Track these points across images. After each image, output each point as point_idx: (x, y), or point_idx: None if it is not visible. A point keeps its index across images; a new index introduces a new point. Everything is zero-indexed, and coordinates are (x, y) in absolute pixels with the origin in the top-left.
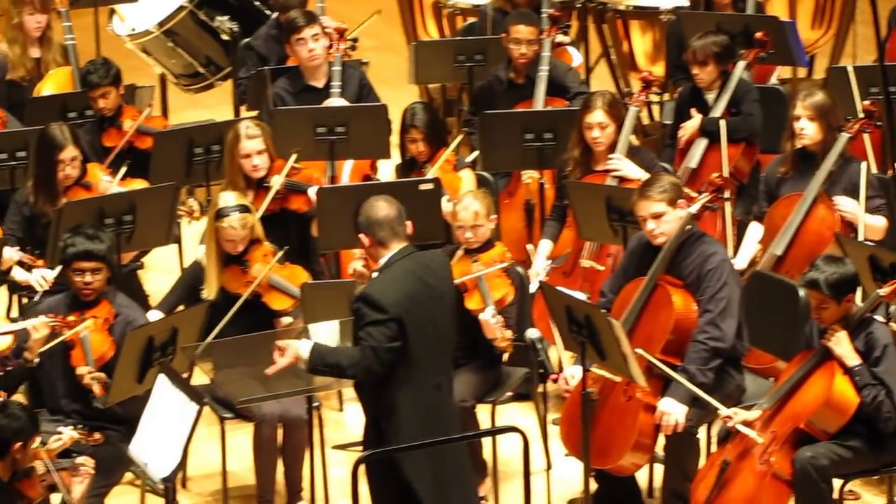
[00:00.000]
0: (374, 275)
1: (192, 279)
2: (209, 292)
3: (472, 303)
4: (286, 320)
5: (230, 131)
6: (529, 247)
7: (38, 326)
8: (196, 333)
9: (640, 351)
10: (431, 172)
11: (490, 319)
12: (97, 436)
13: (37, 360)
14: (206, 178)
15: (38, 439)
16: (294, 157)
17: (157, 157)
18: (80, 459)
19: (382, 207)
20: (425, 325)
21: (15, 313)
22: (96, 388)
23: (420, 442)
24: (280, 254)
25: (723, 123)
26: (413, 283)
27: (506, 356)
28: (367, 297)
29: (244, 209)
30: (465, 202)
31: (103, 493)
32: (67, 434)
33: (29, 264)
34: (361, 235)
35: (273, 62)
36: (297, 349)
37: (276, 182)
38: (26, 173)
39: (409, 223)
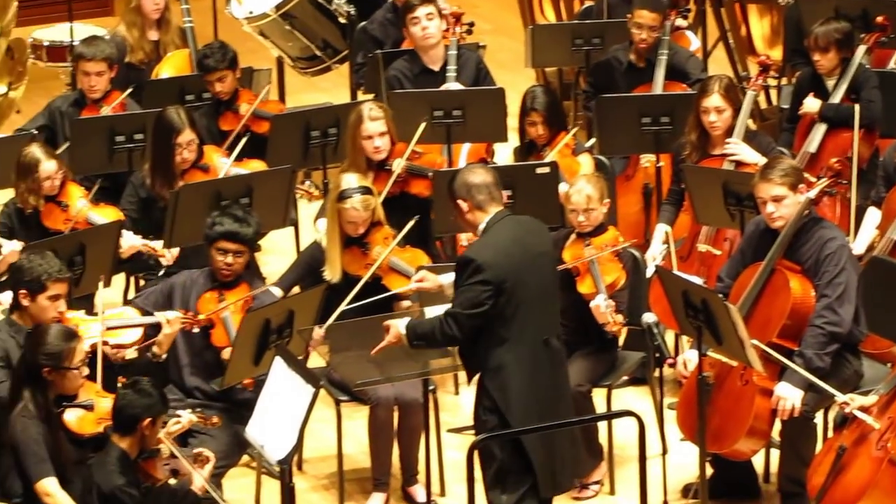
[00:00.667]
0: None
1: (310, 259)
2: (332, 274)
3: (583, 287)
4: (406, 303)
5: (353, 113)
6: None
7: (173, 321)
8: (313, 316)
9: (753, 341)
10: (550, 156)
11: (601, 305)
12: (215, 419)
13: (164, 356)
14: (322, 161)
15: (166, 417)
16: (420, 131)
17: (274, 140)
18: (199, 449)
19: (480, 173)
20: (527, 284)
21: (133, 295)
22: None
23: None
24: (400, 236)
25: (857, 109)
26: (512, 243)
27: (622, 340)
28: (464, 258)
29: (366, 191)
30: (578, 186)
31: (220, 475)
32: (186, 417)
33: (150, 253)
34: (459, 201)
35: (388, 46)
36: (396, 327)
37: (398, 165)
38: (143, 156)
39: (506, 192)
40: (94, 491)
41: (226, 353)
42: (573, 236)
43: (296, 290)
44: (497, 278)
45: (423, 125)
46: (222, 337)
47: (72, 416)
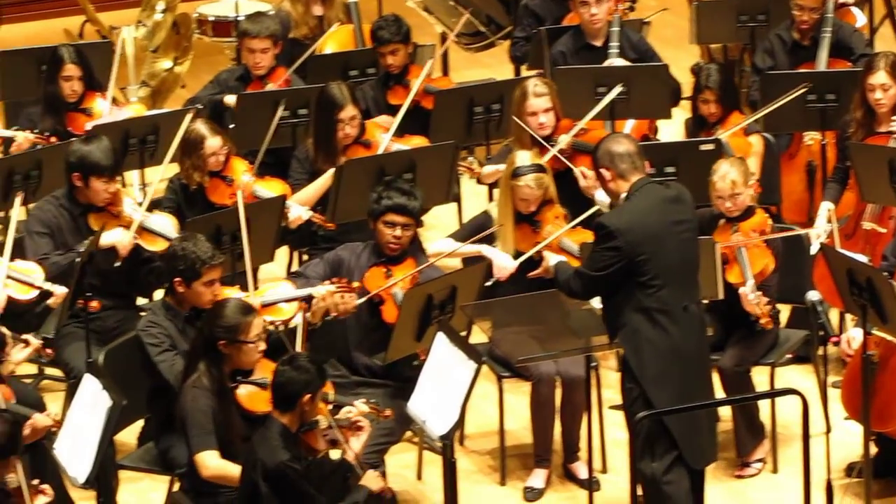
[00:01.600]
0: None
1: (481, 225)
2: (504, 250)
3: (731, 276)
4: None
5: (517, 89)
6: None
7: (326, 295)
8: (475, 292)
9: None
10: (722, 135)
11: (749, 295)
12: (388, 412)
13: (319, 323)
14: (485, 136)
15: (325, 391)
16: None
17: (438, 115)
18: (356, 417)
19: (623, 142)
20: (665, 252)
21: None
22: None
23: (667, 376)
24: (577, 221)
25: None
26: (650, 212)
27: (785, 319)
28: (600, 223)
29: (539, 169)
30: (721, 171)
31: (383, 451)
32: (358, 408)
33: (319, 223)
34: (602, 170)
35: (549, 22)
36: (548, 260)
37: (563, 141)
38: (307, 131)
39: (647, 161)
40: (259, 467)
41: None
42: (722, 221)
43: (457, 264)
44: (628, 246)
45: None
46: (393, 313)
47: (244, 392)
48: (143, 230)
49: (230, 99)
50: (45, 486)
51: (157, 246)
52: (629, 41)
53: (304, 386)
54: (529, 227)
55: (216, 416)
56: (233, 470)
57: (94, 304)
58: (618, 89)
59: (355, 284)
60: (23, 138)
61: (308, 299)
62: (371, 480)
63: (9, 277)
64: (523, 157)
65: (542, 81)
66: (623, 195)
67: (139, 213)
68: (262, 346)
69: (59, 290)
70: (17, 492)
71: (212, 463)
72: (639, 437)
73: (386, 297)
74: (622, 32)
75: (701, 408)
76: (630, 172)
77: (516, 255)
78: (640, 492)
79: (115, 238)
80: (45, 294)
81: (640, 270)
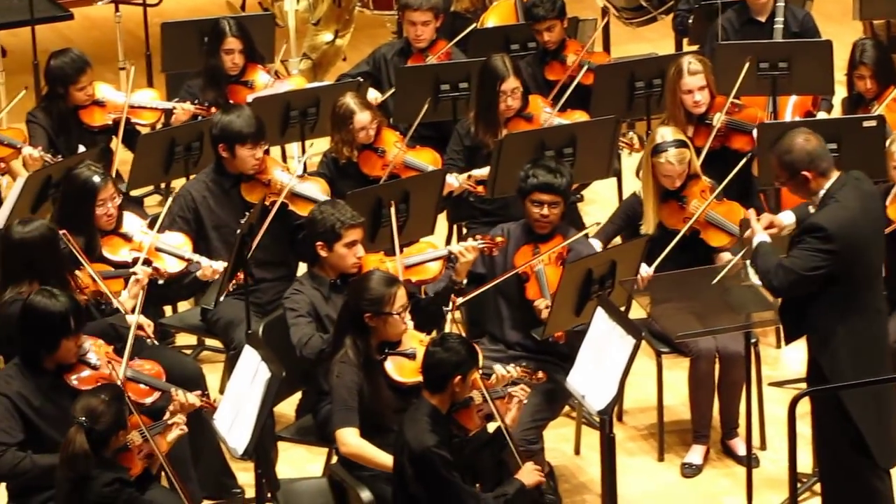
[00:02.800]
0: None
1: (630, 210)
2: (647, 227)
3: None
4: (725, 256)
5: (672, 66)
6: None
7: (467, 251)
8: (635, 267)
9: None
10: (878, 110)
11: None
12: (540, 374)
13: (464, 280)
14: (646, 111)
15: (477, 372)
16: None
17: (599, 90)
18: (511, 389)
19: (811, 139)
20: (867, 250)
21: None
22: None
23: (864, 380)
24: (718, 189)
25: None
26: (861, 213)
27: None
28: (815, 224)
29: (681, 144)
30: None
31: (542, 427)
32: (511, 372)
33: (471, 190)
34: (804, 173)
35: None
36: (753, 231)
37: (717, 119)
38: (468, 104)
39: (830, 146)
40: (406, 449)
41: (538, 305)
42: (894, 191)
43: (617, 240)
44: (845, 250)
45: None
46: (535, 290)
47: (392, 364)
48: (294, 196)
49: (373, 94)
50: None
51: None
52: (794, 16)
53: (454, 367)
54: (676, 203)
55: (363, 390)
56: (370, 451)
57: (239, 275)
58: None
59: (499, 239)
60: (181, 110)
61: (452, 257)
62: (527, 474)
63: (158, 249)
64: (664, 134)
65: (697, 59)
66: (821, 193)
67: (290, 179)
68: (408, 317)
69: (206, 263)
70: (139, 448)
71: (350, 440)
72: (822, 427)
73: (530, 275)
74: (787, 7)
75: (853, 386)
76: (830, 169)
77: (664, 232)
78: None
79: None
80: (194, 267)
81: (848, 273)
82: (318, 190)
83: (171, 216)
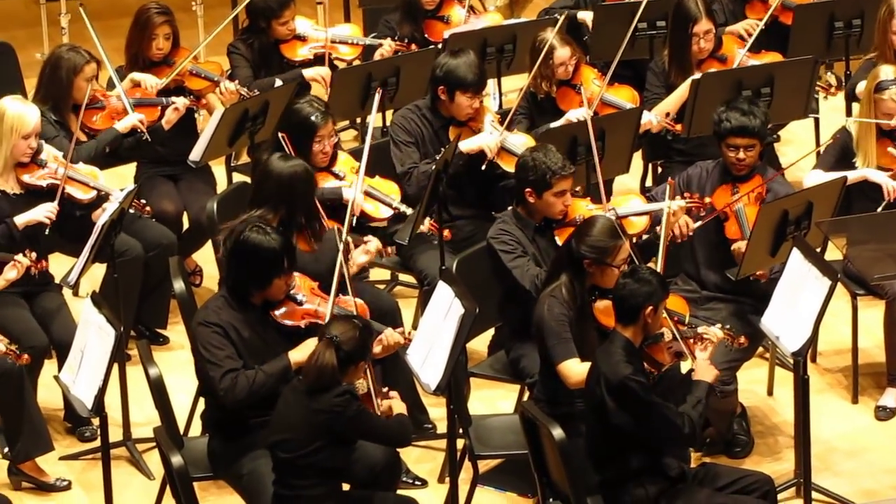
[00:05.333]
0: None
1: (843, 145)
2: (863, 164)
3: None
4: None
5: (883, 5)
6: None
7: (677, 210)
8: (832, 208)
9: None
10: None
11: None
12: (742, 340)
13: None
14: (845, 52)
15: (682, 313)
16: None
17: (797, 30)
18: (703, 329)
19: None
20: None
21: (649, 183)
22: None
23: None
24: None
25: None
26: None
27: None
28: None
29: None
30: None
31: (736, 368)
32: (714, 333)
33: (669, 128)
34: None
35: None
36: None
37: None
38: (665, 43)
39: None
40: (602, 381)
41: (737, 246)
42: None
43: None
44: None
45: None
46: (735, 230)
47: (601, 307)
48: (501, 149)
49: (583, 15)
50: (394, 392)
51: (512, 166)
52: None
53: (646, 297)
54: (892, 143)
55: (572, 328)
56: None
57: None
58: None
59: (706, 200)
60: (388, 46)
61: (658, 214)
62: (705, 372)
63: (367, 194)
64: (887, 71)
65: None
66: None
67: (499, 132)
68: (625, 268)
69: (411, 212)
70: (365, 397)
71: (578, 369)
72: None
73: (730, 214)
74: None
75: None
76: None
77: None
78: None
79: (483, 141)
80: (401, 215)
81: None
82: (526, 146)
83: (397, 144)
